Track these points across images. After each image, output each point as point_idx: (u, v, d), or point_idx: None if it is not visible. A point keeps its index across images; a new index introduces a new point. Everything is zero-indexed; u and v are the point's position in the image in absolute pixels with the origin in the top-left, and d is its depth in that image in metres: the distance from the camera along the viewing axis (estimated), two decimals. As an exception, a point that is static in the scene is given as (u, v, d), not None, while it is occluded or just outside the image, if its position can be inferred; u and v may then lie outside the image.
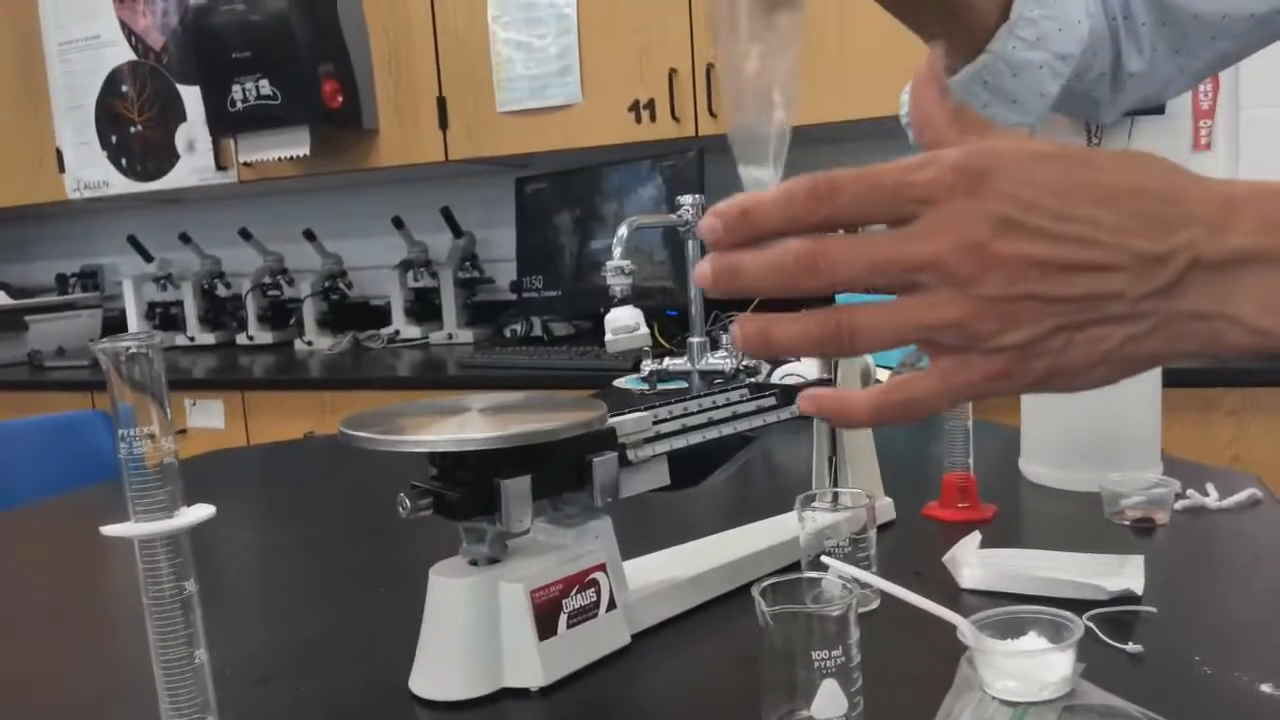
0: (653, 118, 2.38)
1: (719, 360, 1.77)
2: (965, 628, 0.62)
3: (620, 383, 1.99)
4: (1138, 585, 0.75)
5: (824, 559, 0.69)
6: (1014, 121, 0.66)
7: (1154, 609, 0.72)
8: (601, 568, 0.71)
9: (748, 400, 0.84)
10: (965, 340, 0.38)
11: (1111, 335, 0.38)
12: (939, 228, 0.37)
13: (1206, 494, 0.96)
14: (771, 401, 0.85)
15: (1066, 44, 0.65)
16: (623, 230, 1.58)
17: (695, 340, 1.77)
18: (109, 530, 0.51)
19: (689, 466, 0.98)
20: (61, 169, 3.09)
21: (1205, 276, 0.38)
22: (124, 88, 2.97)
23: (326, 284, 3.00)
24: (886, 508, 0.96)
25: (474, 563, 0.68)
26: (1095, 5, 0.69)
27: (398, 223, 2.90)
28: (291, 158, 2.67)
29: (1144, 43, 0.72)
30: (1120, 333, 0.38)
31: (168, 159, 2.95)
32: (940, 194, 0.37)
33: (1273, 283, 0.38)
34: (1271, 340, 0.38)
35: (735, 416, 0.82)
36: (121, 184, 3.03)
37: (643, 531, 0.87)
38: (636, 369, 1.86)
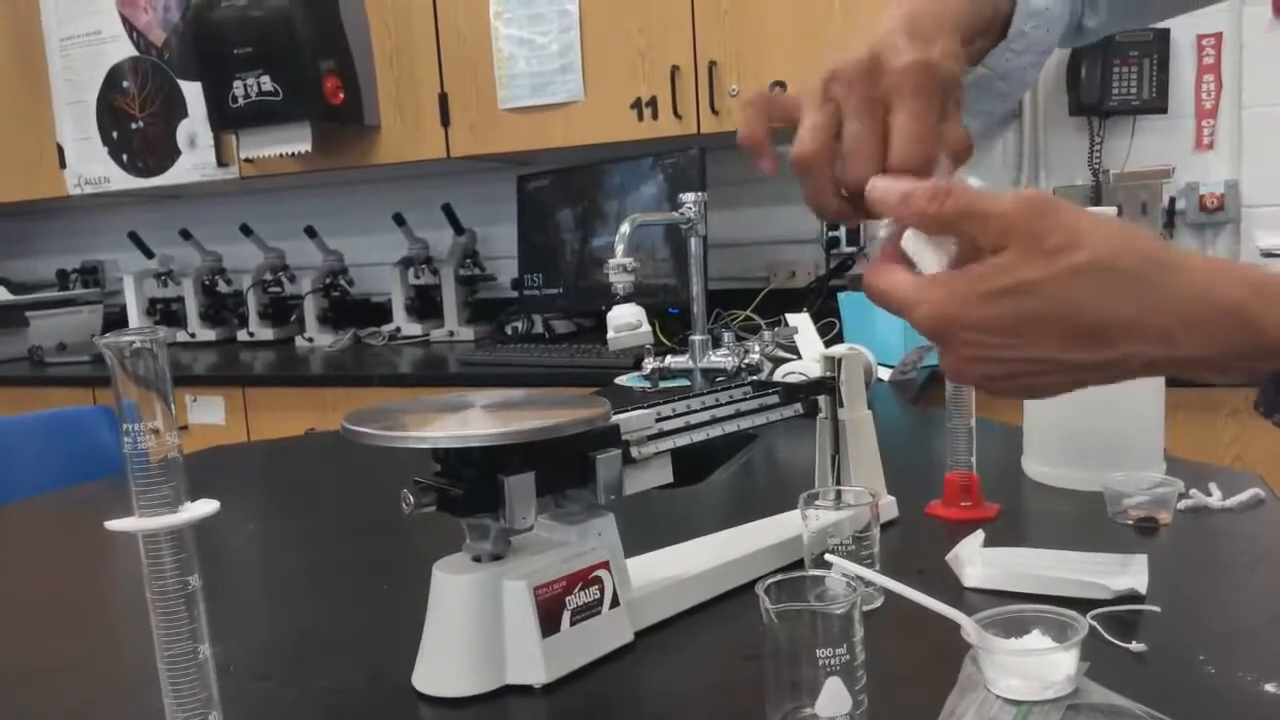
0: (655, 115, 2.38)
1: (720, 358, 1.77)
2: (969, 626, 0.62)
3: (621, 380, 1.99)
4: (1141, 584, 0.75)
5: (828, 557, 0.69)
6: (995, 107, 0.68)
7: (1158, 608, 0.72)
8: (605, 565, 0.71)
9: (751, 398, 0.84)
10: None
11: (1056, 387, 0.51)
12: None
13: (1210, 494, 0.96)
14: (774, 399, 0.85)
15: (1051, 41, 0.66)
16: (625, 227, 1.58)
17: (697, 338, 1.77)
18: (114, 525, 0.50)
19: (692, 464, 0.98)
20: (63, 165, 3.09)
21: (1153, 367, 0.48)
22: (125, 83, 2.97)
23: (327, 281, 3.00)
24: (889, 506, 0.96)
25: (477, 559, 0.68)
26: None
27: (399, 219, 2.90)
28: (293, 154, 2.67)
29: (1101, 7, 0.73)
30: (1064, 388, 0.51)
31: (169, 155, 2.94)
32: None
33: (1212, 362, 0.47)
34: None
35: (739, 414, 0.82)
36: (122, 180, 3.02)
37: (646, 529, 0.87)
38: (638, 366, 1.86)
